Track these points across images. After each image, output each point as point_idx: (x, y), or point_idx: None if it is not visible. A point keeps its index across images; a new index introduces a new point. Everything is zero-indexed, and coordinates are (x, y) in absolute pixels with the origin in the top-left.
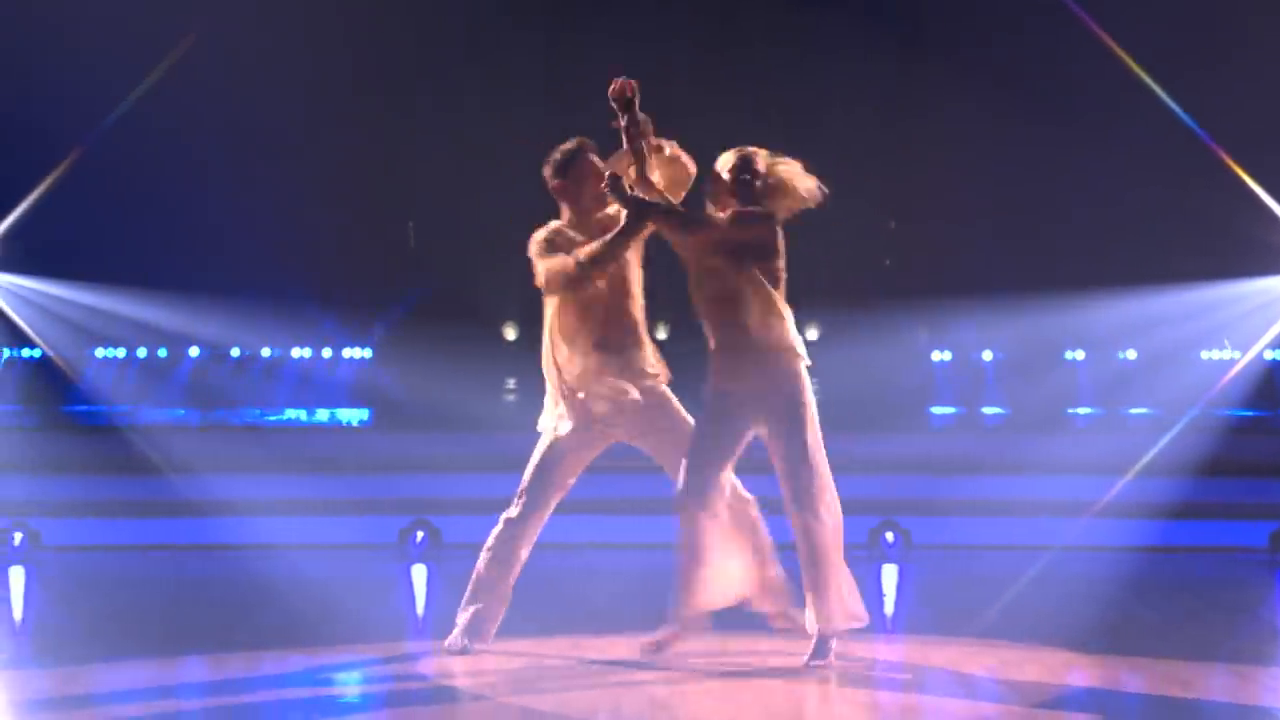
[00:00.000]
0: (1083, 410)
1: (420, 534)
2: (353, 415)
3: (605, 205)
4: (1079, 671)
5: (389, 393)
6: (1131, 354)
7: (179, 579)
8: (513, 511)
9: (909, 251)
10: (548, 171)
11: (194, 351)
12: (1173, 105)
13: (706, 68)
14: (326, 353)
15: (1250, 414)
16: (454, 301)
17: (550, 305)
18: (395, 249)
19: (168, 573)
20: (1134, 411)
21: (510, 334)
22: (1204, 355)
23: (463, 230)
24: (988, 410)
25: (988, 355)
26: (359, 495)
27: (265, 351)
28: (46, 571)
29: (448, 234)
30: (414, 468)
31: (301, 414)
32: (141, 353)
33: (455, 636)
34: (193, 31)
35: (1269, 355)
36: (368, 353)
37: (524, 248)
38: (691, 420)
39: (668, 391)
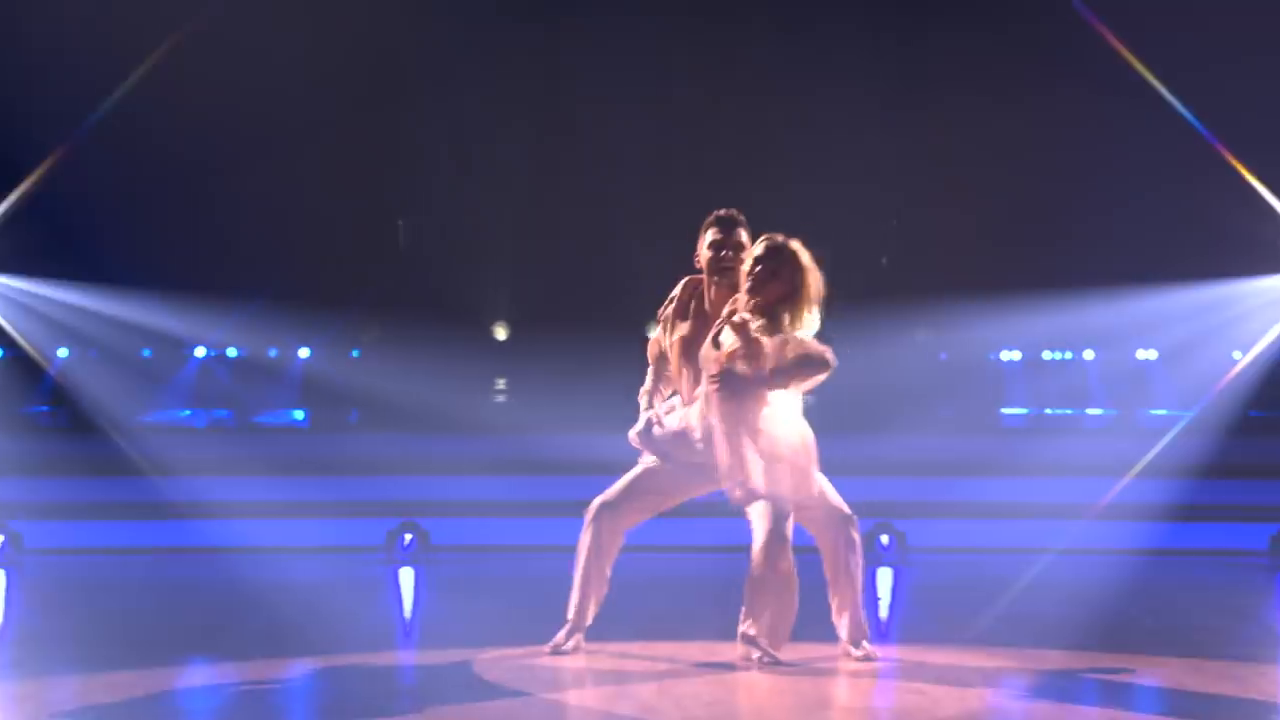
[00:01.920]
0: (1058, 411)
1: (408, 536)
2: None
3: None
4: (1075, 673)
5: (376, 393)
6: (1140, 354)
7: (164, 583)
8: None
9: (909, 250)
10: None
11: (177, 351)
12: (1177, 104)
13: (705, 64)
14: (305, 352)
15: (1251, 415)
16: (445, 301)
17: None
18: (387, 249)
19: (152, 576)
20: (1100, 412)
21: (501, 334)
22: (1203, 356)
23: (455, 230)
24: (975, 411)
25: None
26: (346, 497)
27: (239, 352)
28: (28, 575)
29: (440, 234)
30: (402, 469)
31: (294, 415)
32: (124, 352)
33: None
34: (179, 31)
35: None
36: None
37: (515, 249)
38: None
39: None
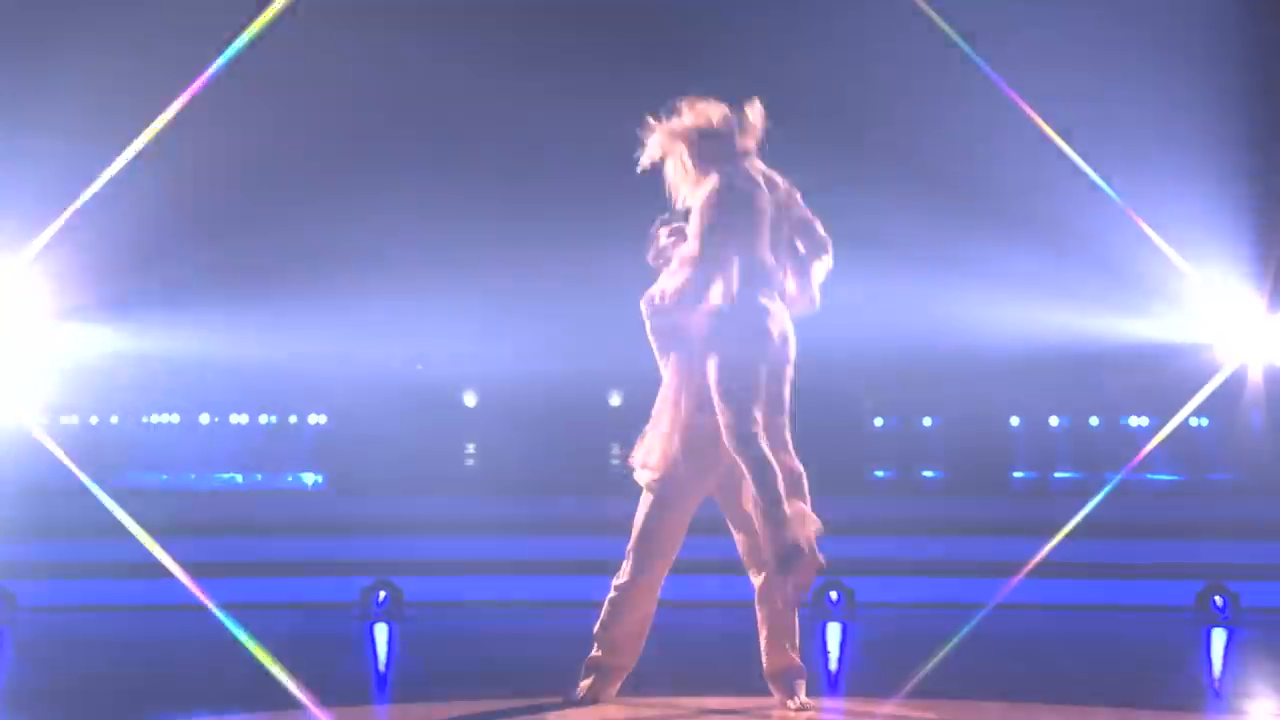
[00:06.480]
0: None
1: (382, 594)
2: (309, 479)
3: None
4: None
5: (349, 458)
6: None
7: (148, 639)
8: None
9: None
10: None
11: (156, 418)
12: (1104, 185)
13: None
14: (293, 419)
15: (1175, 479)
16: (415, 371)
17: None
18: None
19: (135, 632)
20: (1058, 475)
21: (470, 401)
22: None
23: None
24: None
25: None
26: (323, 556)
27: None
28: (20, 633)
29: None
30: (376, 530)
31: (306, 478)
32: (94, 420)
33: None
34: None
35: (1192, 422)
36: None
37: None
38: None
39: None
